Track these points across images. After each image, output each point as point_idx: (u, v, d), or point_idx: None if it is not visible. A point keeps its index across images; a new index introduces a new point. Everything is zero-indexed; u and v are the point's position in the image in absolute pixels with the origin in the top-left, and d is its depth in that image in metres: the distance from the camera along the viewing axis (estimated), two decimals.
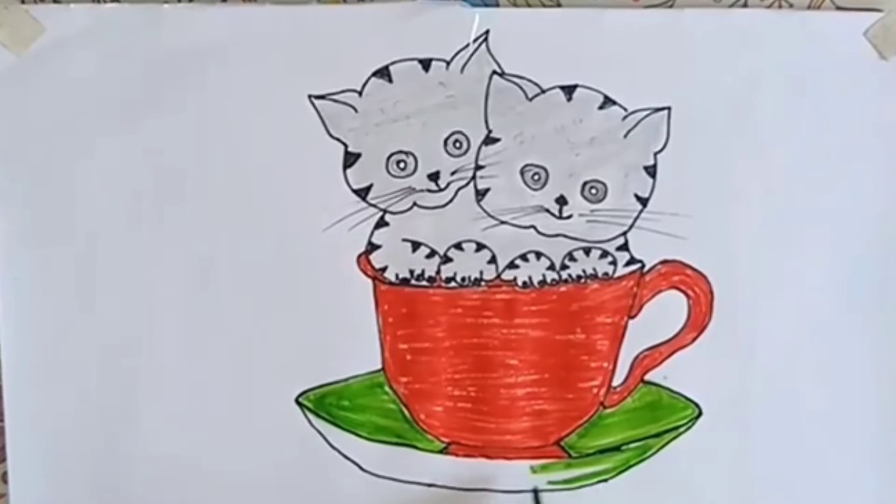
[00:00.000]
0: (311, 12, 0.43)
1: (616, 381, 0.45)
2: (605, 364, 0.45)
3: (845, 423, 0.46)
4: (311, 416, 0.45)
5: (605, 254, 0.44)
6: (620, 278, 0.44)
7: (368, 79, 0.43)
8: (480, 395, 0.45)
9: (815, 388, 0.45)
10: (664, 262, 0.44)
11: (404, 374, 0.45)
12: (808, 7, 0.44)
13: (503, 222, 0.43)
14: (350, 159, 0.43)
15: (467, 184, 0.43)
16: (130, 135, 0.44)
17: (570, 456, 0.46)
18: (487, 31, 0.42)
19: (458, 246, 0.44)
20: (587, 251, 0.44)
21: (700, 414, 0.45)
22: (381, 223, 0.44)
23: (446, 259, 0.44)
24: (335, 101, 0.43)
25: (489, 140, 0.43)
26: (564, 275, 0.44)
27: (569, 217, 0.43)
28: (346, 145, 0.43)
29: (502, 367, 0.45)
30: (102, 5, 0.43)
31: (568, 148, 0.43)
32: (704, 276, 0.44)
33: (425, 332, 0.45)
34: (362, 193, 0.44)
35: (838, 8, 0.43)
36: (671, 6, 0.43)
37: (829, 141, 0.44)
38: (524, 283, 0.44)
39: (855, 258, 0.45)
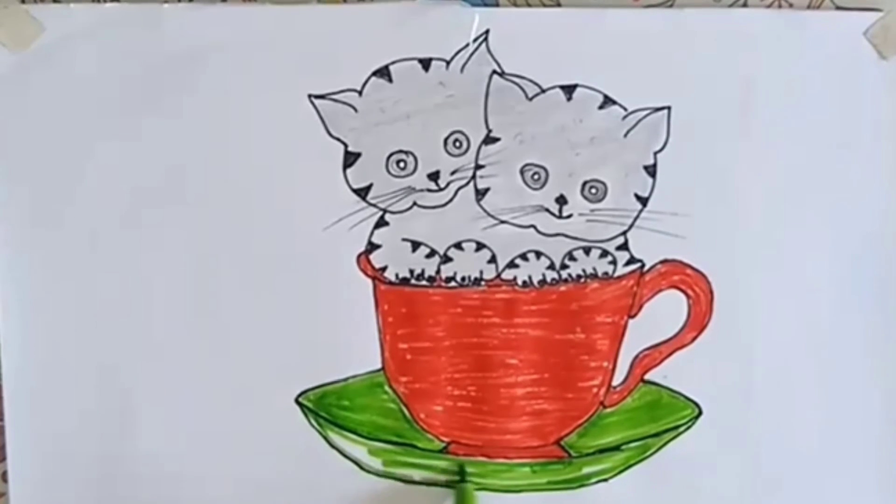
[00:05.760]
0: (311, 12, 0.43)
1: (616, 381, 0.45)
2: (605, 363, 0.45)
3: (845, 423, 0.46)
4: (310, 415, 0.45)
5: (604, 253, 0.44)
6: (620, 278, 0.44)
7: (368, 78, 0.43)
8: (480, 394, 0.45)
9: (814, 387, 0.45)
10: (664, 261, 0.44)
11: (404, 374, 0.45)
12: (808, 7, 0.44)
13: (503, 222, 0.44)
14: (350, 159, 0.43)
15: (467, 183, 0.43)
16: (131, 134, 0.44)
17: (569, 455, 0.46)
18: (487, 31, 0.43)
19: (457, 245, 0.44)
20: (587, 251, 0.44)
21: (700, 413, 0.45)
22: (381, 223, 0.44)
23: (446, 259, 0.44)
24: (335, 100, 0.43)
25: (489, 139, 0.43)
26: (564, 274, 0.44)
27: (569, 216, 0.43)
28: (346, 145, 0.43)
29: (502, 367, 0.45)
30: (102, 5, 0.43)
31: (568, 147, 0.43)
32: (704, 276, 0.44)
33: (425, 331, 0.45)
34: (362, 193, 0.44)
35: (838, 8, 0.43)
36: (671, 6, 0.43)
37: (829, 141, 0.44)
38: (524, 282, 0.44)
39: (854, 258, 0.45)
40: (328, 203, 0.44)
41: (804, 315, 0.45)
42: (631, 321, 0.45)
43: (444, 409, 0.45)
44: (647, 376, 0.45)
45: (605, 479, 0.46)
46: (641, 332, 0.45)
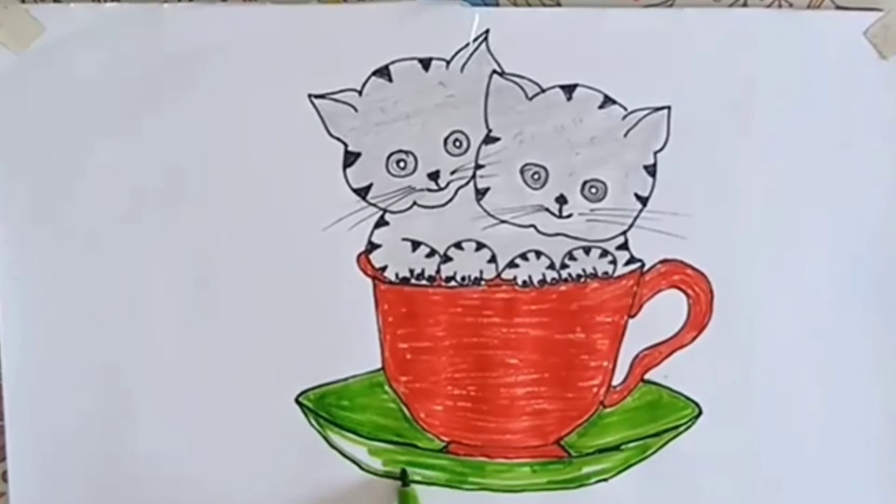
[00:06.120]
0: (311, 12, 0.43)
1: (616, 381, 0.45)
2: (605, 363, 0.45)
3: (845, 422, 0.46)
4: (310, 415, 0.45)
5: (604, 253, 0.44)
6: (620, 277, 0.44)
7: (368, 78, 0.43)
8: (480, 394, 0.45)
9: (815, 387, 0.45)
10: (664, 261, 0.44)
11: (404, 374, 0.45)
12: (808, 7, 0.44)
13: (503, 221, 0.44)
14: (350, 159, 0.43)
15: (467, 183, 0.43)
16: (130, 134, 0.44)
17: (569, 455, 0.46)
18: (487, 31, 0.43)
19: (457, 245, 0.44)
20: (587, 250, 0.44)
21: (700, 413, 0.45)
22: (381, 222, 0.44)
23: (446, 258, 0.44)
24: (335, 100, 0.43)
25: (489, 139, 0.43)
26: (564, 274, 0.44)
27: (569, 216, 0.43)
28: (346, 144, 0.43)
29: (502, 367, 0.45)
30: (102, 5, 0.43)
31: (568, 147, 0.43)
32: (704, 276, 0.44)
33: (425, 331, 0.45)
34: (362, 193, 0.44)
35: (838, 7, 0.43)
36: (671, 6, 0.43)
37: (829, 141, 0.44)
38: (524, 282, 0.44)
39: (855, 258, 0.45)
40: (328, 203, 0.44)
41: (804, 315, 0.45)
42: (631, 321, 0.45)
43: (445, 408, 0.45)
44: (648, 376, 0.45)
45: (605, 479, 0.46)
46: (641, 332, 0.45)
